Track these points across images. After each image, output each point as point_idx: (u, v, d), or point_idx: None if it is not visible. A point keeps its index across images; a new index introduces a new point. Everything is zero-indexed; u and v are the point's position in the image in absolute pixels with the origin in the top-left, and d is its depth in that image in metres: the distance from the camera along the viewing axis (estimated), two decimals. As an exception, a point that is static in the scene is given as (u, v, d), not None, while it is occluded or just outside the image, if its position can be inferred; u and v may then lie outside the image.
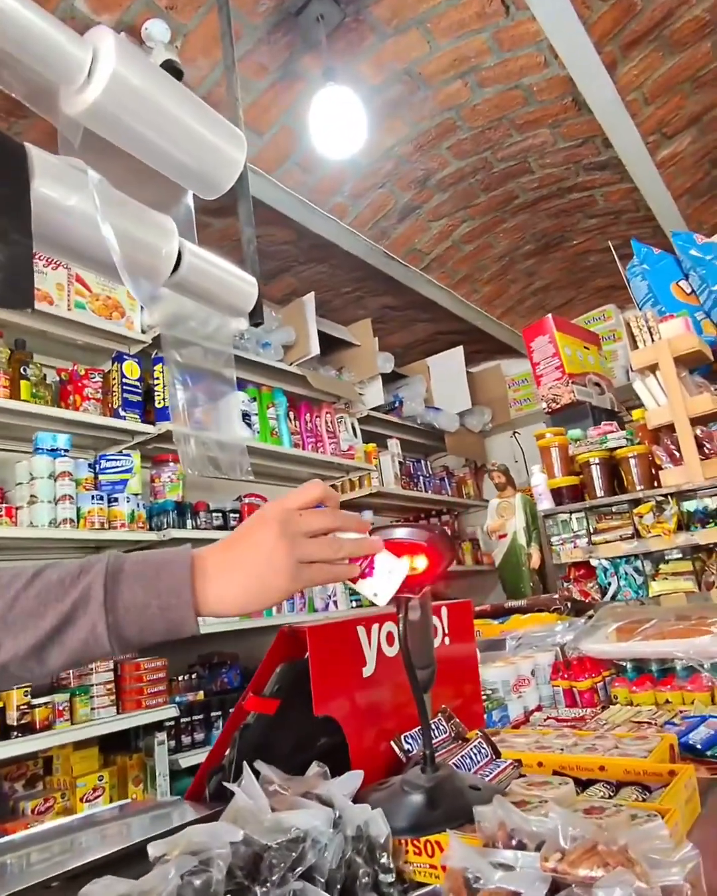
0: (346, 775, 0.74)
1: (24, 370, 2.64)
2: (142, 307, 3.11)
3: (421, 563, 0.87)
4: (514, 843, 0.59)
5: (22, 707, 2.05)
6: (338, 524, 0.74)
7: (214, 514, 3.04)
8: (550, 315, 2.68)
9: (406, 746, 0.93)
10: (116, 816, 0.99)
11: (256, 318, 1.44)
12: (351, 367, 4.24)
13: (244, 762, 0.76)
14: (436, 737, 0.99)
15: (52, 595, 0.66)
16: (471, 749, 0.94)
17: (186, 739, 2.52)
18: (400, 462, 4.43)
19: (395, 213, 3.46)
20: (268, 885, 0.60)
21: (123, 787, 2.31)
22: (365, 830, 0.68)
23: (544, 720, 1.19)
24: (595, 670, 1.31)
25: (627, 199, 3.58)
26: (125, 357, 2.98)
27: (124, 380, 2.92)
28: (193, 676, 2.80)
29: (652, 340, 2.13)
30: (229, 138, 1.44)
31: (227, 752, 0.96)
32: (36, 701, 2.09)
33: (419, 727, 0.99)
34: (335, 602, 3.49)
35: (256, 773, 0.78)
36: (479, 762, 0.92)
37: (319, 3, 2.30)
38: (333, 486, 4.15)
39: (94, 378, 2.88)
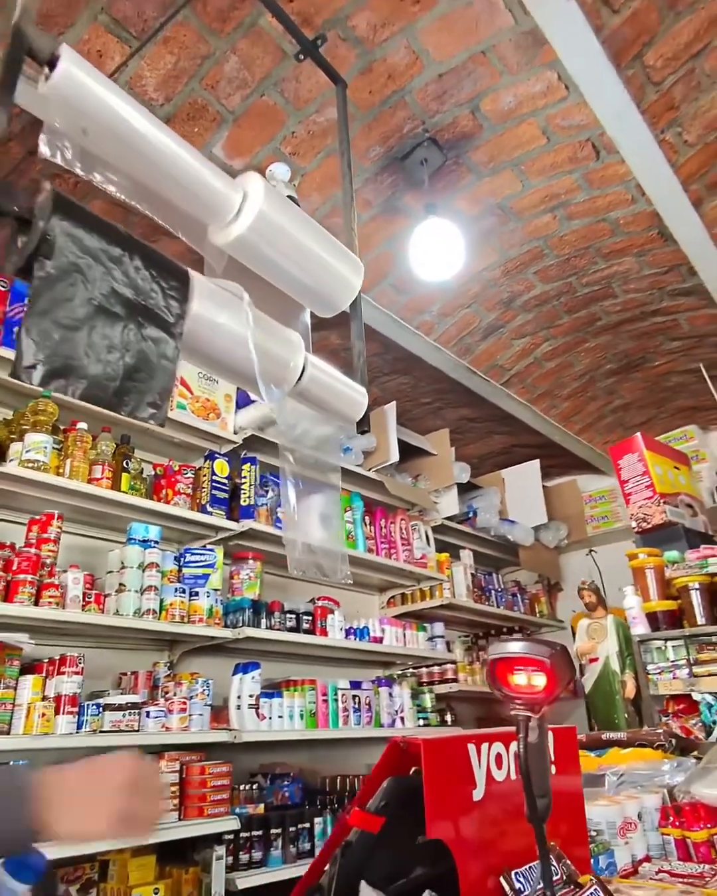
0: (470, 909, 0.69)
1: (126, 464, 2.80)
2: (236, 410, 3.30)
3: (540, 680, 0.85)
4: None
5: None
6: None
7: (287, 615, 3.02)
8: (638, 433, 2.68)
9: (517, 885, 0.87)
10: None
11: (362, 426, 1.51)
12: (427, 476, 4.28)
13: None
14: (546, 879, 0.92)
15: None
16: (588, 895, 0.87)
17: (243, 857, 2.37)
18: (472, 574, 4.34)
19: (479, 330, 3.62)
20: None
21: (174, 905, 2.17)
22: None
23: (656, 873, 1.08)
24: (711, 819, 1.19)
25: (712, 323, 3.64)
26: (216, 456, 3.12)
27: (214, 477, 3.05)
28: (254, 787, 2.68)
29: (753, 465, 2.09)
30: (350, 266, 1.59)
31: (327, 869, 0.92)
32: (100, 799, 2.03)
33: (528, 865, 0.93)
34: (402, 718, 3.33)
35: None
36: (598, 913, 0.85)
37: (424, 149, 2.56)
38: (403, 594, 4.08)
39: (186, 474, 3.02)
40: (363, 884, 0.71)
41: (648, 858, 1.17)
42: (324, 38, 2.05)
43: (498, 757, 0.96)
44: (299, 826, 2.63)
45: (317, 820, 2.72)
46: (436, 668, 3.83)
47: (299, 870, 2.52)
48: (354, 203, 1.92)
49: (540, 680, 0.84)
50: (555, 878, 0.92)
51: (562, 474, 5.31)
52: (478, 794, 0.90)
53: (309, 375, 1.33)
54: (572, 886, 0.90)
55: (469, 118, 2.42)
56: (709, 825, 1.19)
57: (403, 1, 2.00)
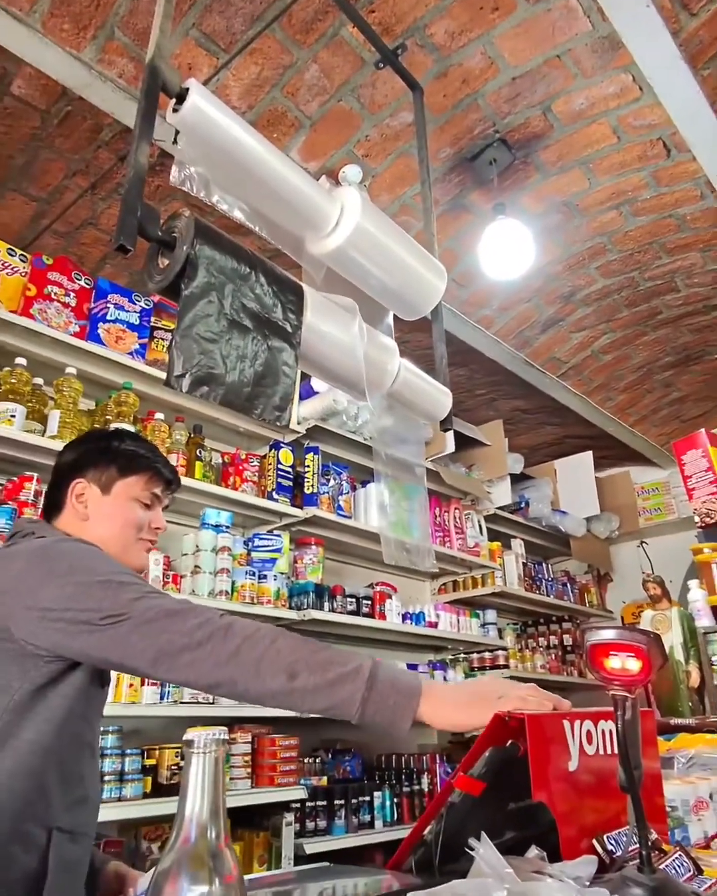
0: (580, 859, 0.79)
1: (199, 452, 2.95)
2: (300, 400, 3.42)
3: (634, 664, 0.94)
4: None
5: (172, 767, 2.17)
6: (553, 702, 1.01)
7: (348, 599, 3.15)
8: (703, 429, 2.71)
9: (610, 847, 0.97)
10: (318, 876, 1.06)
11: (446, 424, 1.60)
12: (481, 466, 4.35)
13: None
14: (633, 844, 1.02)
15: (337, 659, 0.91)
16: (673, 861, 0.96)
17: (309, 824, 2.53)
18: (523, 563, 4.41)
19: (538, 324, 3.66)
20: (527, 947, 0.66)
21: (247, 865, 2.33)
22: (601, 916, 0.73)
23: (728, 848, 1.17)
24: (779, 802, 1.27)
25: (775, 318, 3.61)
26: (281, 445, 3.25)
27: (279, 465, 3.18)
28: (318, 760, 2.84)
29: None
30: (434, 272, 1.67)
31: (431, 827, 1.03)
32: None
33: (617, 831, 1.03)
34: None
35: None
36: (682, 875, 0.94)
37: (494, 149, 2.61)
38: (455, 582, 4.18)
39: (252, 462, 3.16)
40: (482, 836, 0.82)
41: (717, 835, 1.25)
42: (404, 47, 2.12)
43: (588, 734, 1.05)
44: (361, 799, 2.77)
45: (376, 794, 2.86)
46: (487, 654, 3.92)
47: (360, 839, 2.68)
48: (433, 209, 2.00)
49: (634, 664, 0.93)
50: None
51: (614, 466, 5.31)
52: (573, 766, 1.00)
53: (402, 378, 1.43)
54: (658, 852, 0.99)
55: (541, 119, 2.46)
56: (777, 806, 1.26)
57: (482, 9, 2.06)
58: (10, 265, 2.53)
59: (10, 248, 2.55)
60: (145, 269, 1.12)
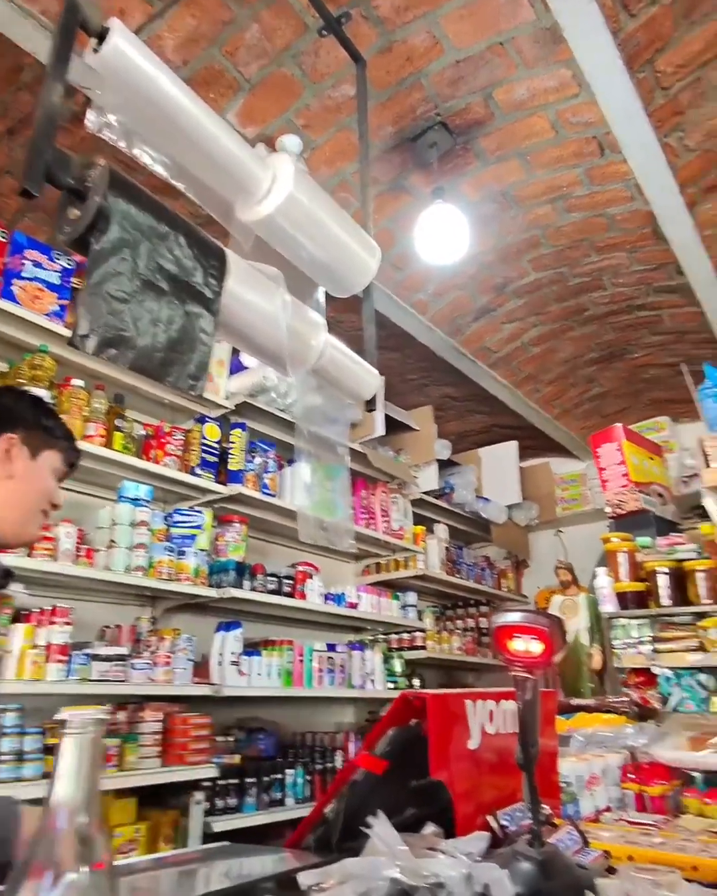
0: (473, 835, 0.80)
1: (119, 423, 2.84)
2: (229, 375, 3.34)
3: (537, 646, 0.96)
4: (641, 914, 0.66)
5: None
6: None
7: (269, 578, 3.13)
8: (619, 424, 2.81)
9: (503, 822, 0.99)
10: (212, 857, 1.04)
11: (371, 405, 1.59)
12: (409, 451, 4.39)
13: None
14: (526, 818, 1.05)
15: None
16: (563, 834, 0.99)
17: (219, 803, 2.51)
18: (446, 547, 4.49)
19: (471, 312, 3.70)
20: (415, 923, 0.66)
21: (153, 844, 2.30)
22: (489, 890, 0.75)
23: (616, 820, 1.22)
24: (666, 777, 1.34)
25: (692, 321, 3.77)
26: (207, 419, 3.17)
27: (204, 440, 3.10)
28: (231, 739, 2.81)
29: (725, 461, 2.24)
30: (367, 248, 1.64)
31: (332, 805, 1.03)
32: (89, 743, 2.13)
33: (511, 807, 1.05)
34: (373, 680, 3.48)
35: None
36: (571, 847, 0.97)
37: (434, 132, 2.59)
38: (379, 564, 4.21)
39: (176, 436, 3.06)
40: (379, 814, 0.82)
41: (608, 808, 1.31)
42: (348, 15, 2.06)
43: (490, 713, 1.07)
44: (273, 776, 2.77)
45: (289, 772, 2.87)
46: (406, 635, 3.99)
47: (272, 816, 2.68)
48: (370, 185, 1.96)
49: (537, 646, 0.94)
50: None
51: (536, 456, 5.47)
52: (473, 744, 1.02)
53: (328, 355, 1.40)
54: (549, 826, 1.02)
55: (482, 105, 2.46)
56: (664, 782, 1.33)
57: (429, -16, 2.02)
58: None
59: None
60: (56, 220, 1.04)
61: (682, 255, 3.11)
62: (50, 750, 2.16)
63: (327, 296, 1.79)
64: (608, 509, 2.69)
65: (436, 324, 3.66)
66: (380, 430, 3.85)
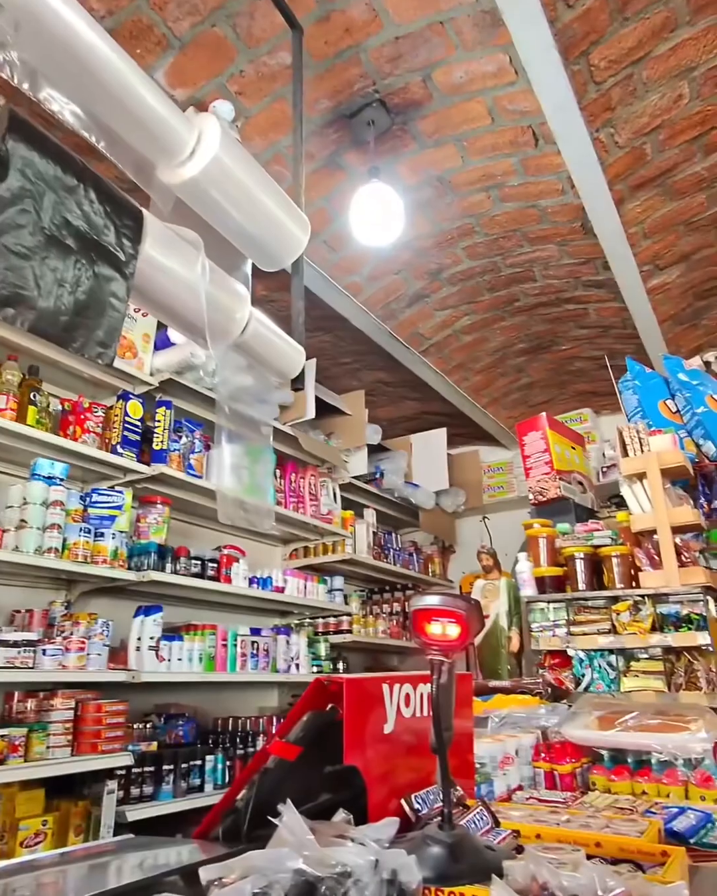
0: (383, 822, 0.79)
1: (34, 396, 2.68)
2: (154, 350, 3.21)
3: (454, 630, 0.95)
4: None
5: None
6: None
7: (193, 561, 3.05)
8: (544, 414, 2.87)
9: (417, 806, 0.98)
10: (115, 851, 0.99)
11: (297, 383, 1.55)
12: (340, 435, 4.36)
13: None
14: (439, 801, 1.04)
15: None
16: (474, 815, 0.99)
17: (134, 791, 2.44)
18: (374, 532, 4.50)
19: (405, 298, 3.69)
20: (319, 914, 0.64)
21: (62, 836, 2.20)
22: (397, 876, 0.73)
23: (527, 799, 1.24)
24: (576, 756, 1.37)
25: (617, 316, 3.88)
26: (130, 396, 3.04)
27: (127, 418, 2.97)
28: (148, 726, 2.74)
29: (642, 451, 2.31)
30: (297, 222, 1.59)
31: (243, 793, 0.99)
32: (-8, 733, 2.03)
33: (425, 790, 1.05)
34: (297, 664, 3.46)
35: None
36: (481, 828, 0.97)
37: (372, 109, 2.55)
38: (306, 548, 4.18)
39: (96, 412, 2.92)
40: (288, 803, 0.79)
41: (520, 787, 1.33)
42: (285, -23, 1.98)
43: (407, 696, 1.06)
44: (191, 763, 2.72)
45: (208, 758, 2.82)
46: (332, 619, 3.98)
47: (189, 803, 2.63)
48: (303, 157, 1.90)
49: (454, 630, 0.93)
50: (446, 800, 1.04)
51: (465, 443, 5.55)
52: (388, 728, 1.00)
53: (252, 329, 1.35)
54: (461, 807, 1.02)
55: (420, 86, 2.43)
56: (573, 760, 1.37)
57: (370, -47, 1.97)
58: None
59: None
60: (-52, 165, 0.94)
61: (608, 251, 3.19)
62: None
63: (258, 273, 1.73)
64: (530, 496, 2.75)
65: (370, 307, 3.63)
66: (311, 412, 3.81)
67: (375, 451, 4.73)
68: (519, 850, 0.92)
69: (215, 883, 0.66)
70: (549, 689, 1.70)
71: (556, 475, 2.66)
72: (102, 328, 1.00)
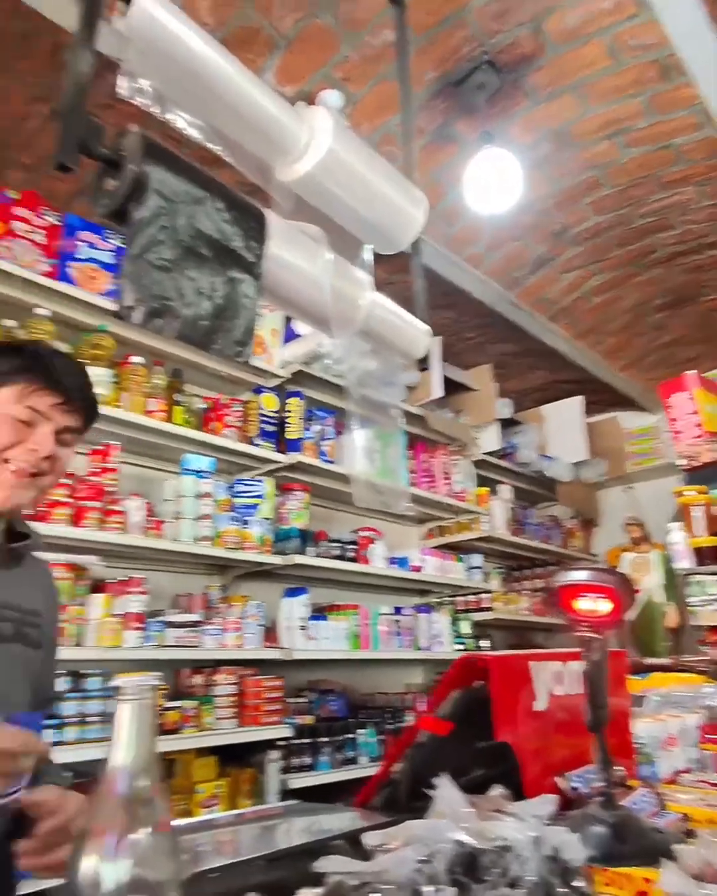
0: (541, 798, 0.79)
1: (178, 397, 2.89)
2: (284, 344, 3.33)
3: (605, 605, 0.92)
4: (721, 881, 0.63)
5: (158, 708, 2.19)
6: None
7: (332, 544, 3.15)
8: (692, 371, 2.66)
9: (574, 784, 0.97)
10: (283, 814, 1.07)
11: (423, 364, 1.55)
12: (469, 411, 4.30)
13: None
14: (598, 780, 1.02)
15: None
16: (638, 796, 0.96)
17: (294, 761, 2.60)
18: (510, 507, 4.42)
19: (528, 264, 3.55)
20: (482, 884, 0.66)
21: (233, 799, 2.40)
22: (559, 853, 0.73)
23: (696, 783, 1.18)
24: (747, 738, 1.28)
25: (771, 257, 3.51)
26: (264, 390, 3.19)
27: (262, 411, 3.12)
28: (304, 700, 2.89)
29: None
30: (414, 202, 1.57)
31: (399, 766, 1.03)
32: (170, 704, 2.24)
33: (582, 768, 1.03)
34: (440, 642, 3.50)
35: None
36: (647, 810, 0.94)
37: (481, 72, 2.46)
38: (442, 526, 4.19)
39: (235, 408, 3.09)
40: (444, 776, 0.81)
41: (688, 770, 1.27)
42: (383, -48, 1.95)
43: (558, 673, 1.04)
44: (345, 736, 2.84)
45: (360, 732, 2.93)
46: (473, 597, 3.97)
47: (344, 775, 2.75)
48: (414, 136, 1.88)
49: (605, 605, 0.90)
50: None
51: (601, 411, 5.27)
52: (540, 706, 1.00)
53: (375, 314, 1.36)
54: (623, 788, 1.00)
55: (531, 38, 2.31)
56: (745, 742, 1.28)
57: None
58: (-29, 200, 2.39)
59: (-31, 182, 2.41)
60: (92, 193, 1.03)
61: (758, 186, 2.89)
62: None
63: (378, 256, 1.74)
64: (681, 462, 2.57)
65: (492, 277, 3.54)
66: (438, 391, 3.79)
67: (506, 425, 4.62)
68: (690, 834, 0.88)
69: (378, 848, 0.70)
70: (713, 667, 1.60)
71: (709, 437, 2.47)
72: (239, 329, 1.06)
